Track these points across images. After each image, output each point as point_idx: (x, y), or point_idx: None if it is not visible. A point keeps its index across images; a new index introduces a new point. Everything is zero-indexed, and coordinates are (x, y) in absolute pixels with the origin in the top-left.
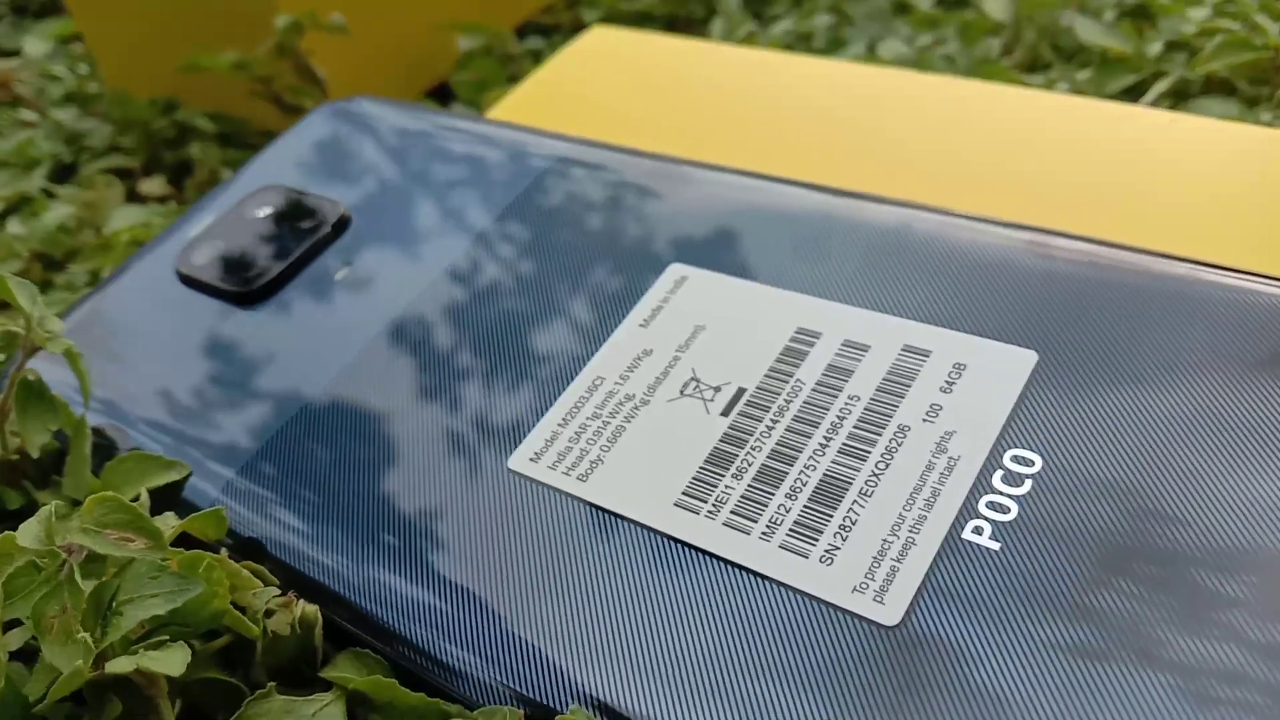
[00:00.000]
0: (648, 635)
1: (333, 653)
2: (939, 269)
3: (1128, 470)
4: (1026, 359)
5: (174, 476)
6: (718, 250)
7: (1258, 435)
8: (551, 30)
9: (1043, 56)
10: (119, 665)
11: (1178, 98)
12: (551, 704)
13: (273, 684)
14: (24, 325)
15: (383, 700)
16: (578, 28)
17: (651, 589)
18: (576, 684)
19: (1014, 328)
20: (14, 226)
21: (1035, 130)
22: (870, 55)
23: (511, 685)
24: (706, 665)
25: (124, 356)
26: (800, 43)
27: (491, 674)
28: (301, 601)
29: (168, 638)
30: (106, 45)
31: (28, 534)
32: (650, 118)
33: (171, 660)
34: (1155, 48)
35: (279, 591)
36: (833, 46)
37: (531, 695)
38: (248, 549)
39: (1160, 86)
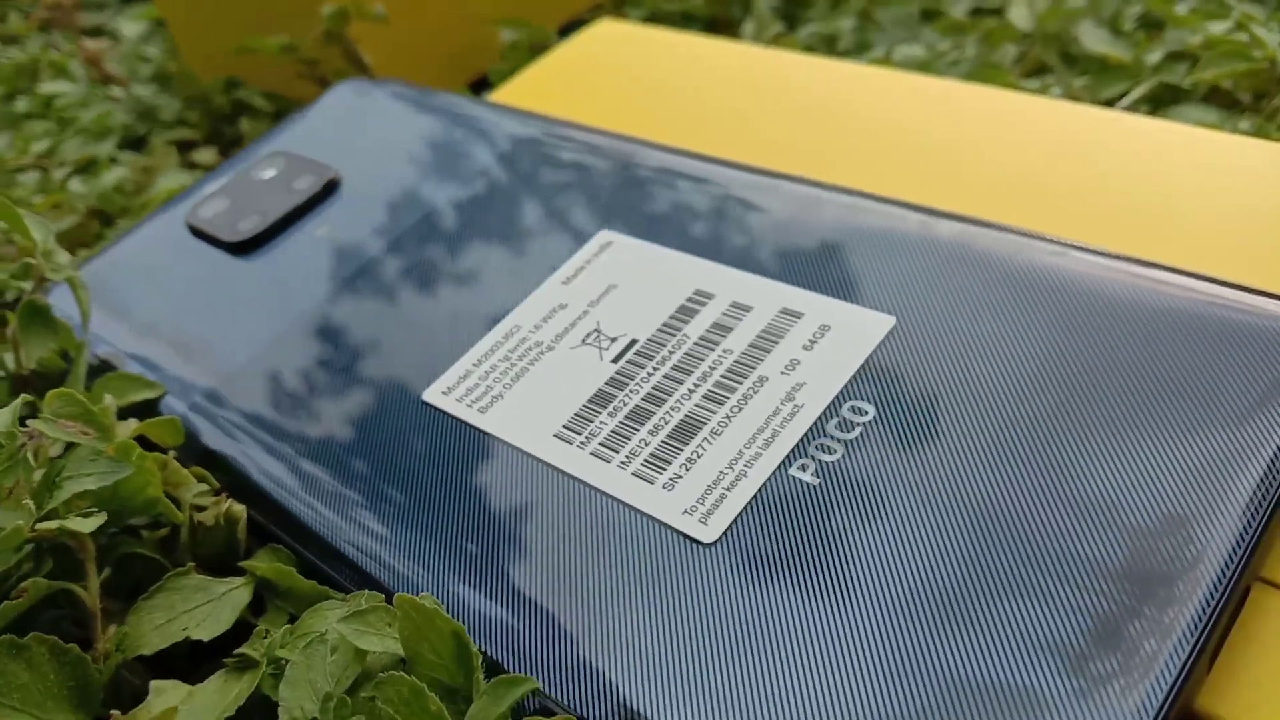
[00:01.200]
0: (513, 542)
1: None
2: (830, 242)
3: (948, 425)
4: (885, 322)
5: (150, 394)
6: (643, 220)
7: (1068, 401)
8: None
9: (1047, 63)
10: (46, 526)
11: (1157, 103)
12: (421, 588)
13: (192, 564)
14: (36, 257)
15: (284, 586)
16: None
17: (523, 505)
18: (441, 573)
19: (882, 295)
20: (77, 185)
21: (992, 125)
22: (886, 58)
23: (390, 578)
24: (555, 568)
25: (132, 293)
26: (824, 45)
27: (376, 568)
28: (230, 500)
29: (98, 510)
30: (183, 28)
31: None
32: (638, 105)
33: (88, 524)
34: (1155, 56)
35: (211, 491)
36: (858, 49)
37: (404, 581)
38: (204, 458)
39: (1138, 91)
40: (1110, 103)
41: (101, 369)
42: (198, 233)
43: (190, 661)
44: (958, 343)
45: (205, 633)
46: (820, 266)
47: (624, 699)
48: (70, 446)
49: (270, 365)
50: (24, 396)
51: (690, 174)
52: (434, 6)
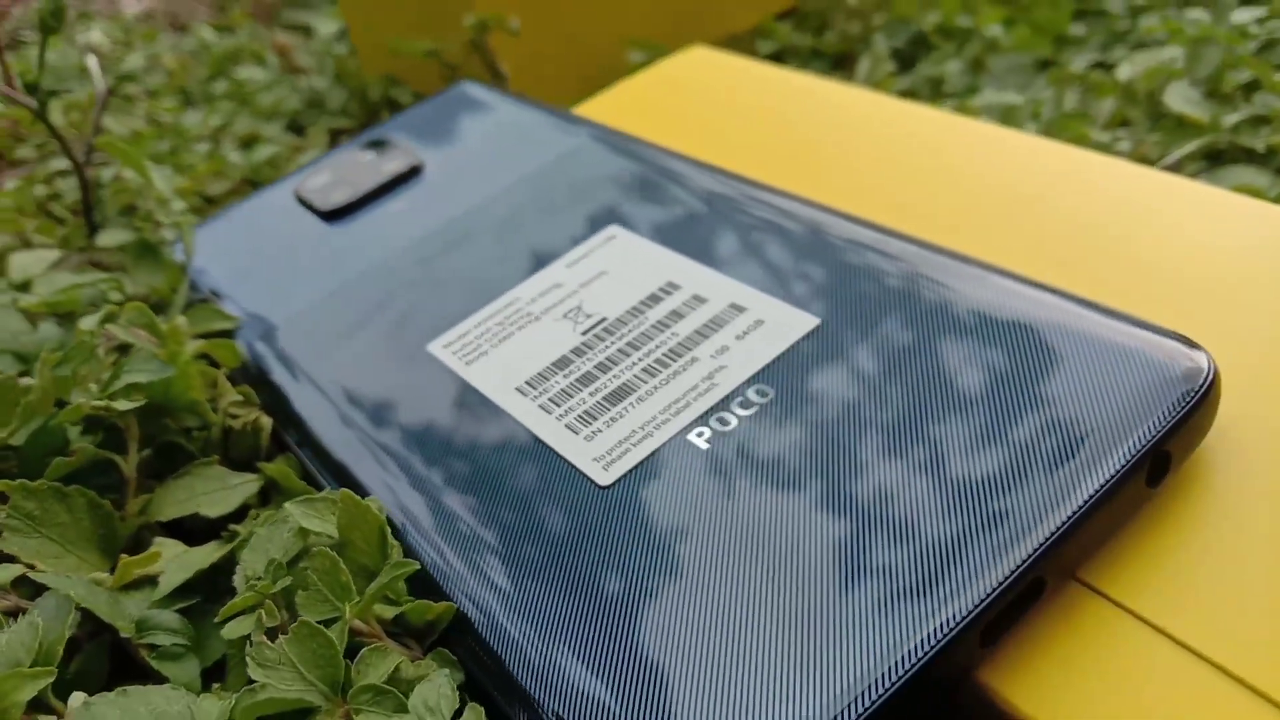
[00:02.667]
0: (457, 465)
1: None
2: (795, 252)
3: (829, 410)
4: (810, 322)
5: (226, 325)
6: (650, 221)
7: (937, 401)
8: None
9: (1130, 118)
10: (97, 403)
11: (1214, 161)
12: (377, 491)
13: (216, 458)
14: (155, 202)
15: (284, 484)
16: (752, 57)
17: (474, 439)
18: (395, 480)
19: (820, 300)
20: (236, 157)
21: (1020, 171)
22: (967, 103)
23: (354, 483)
24: (485, 488)
25: (240, 246)
26: (931, 87)
27: (347, 474)
28: (260, 414)
29: (146, 400)
30: (360, 29)
31: (87, 322)
32: (705, 126)
33: (127, 404)
34: (1233, 118)
35: (250, 405)
36: (964, 93)
37: (361, 487)
38: (253, 380)
39: (1189, 146)
40: (1178, 160)
41: (204, 303)
42: (301, 201)
43: (203, 536)
44: (866, 344)
45: (212, 511)
46: (780, 272)
47: (508, 597)
48: (131, 348)
49: (320, 312)
50: (110, 307)
51: (702, 185)
52: (573, 27)
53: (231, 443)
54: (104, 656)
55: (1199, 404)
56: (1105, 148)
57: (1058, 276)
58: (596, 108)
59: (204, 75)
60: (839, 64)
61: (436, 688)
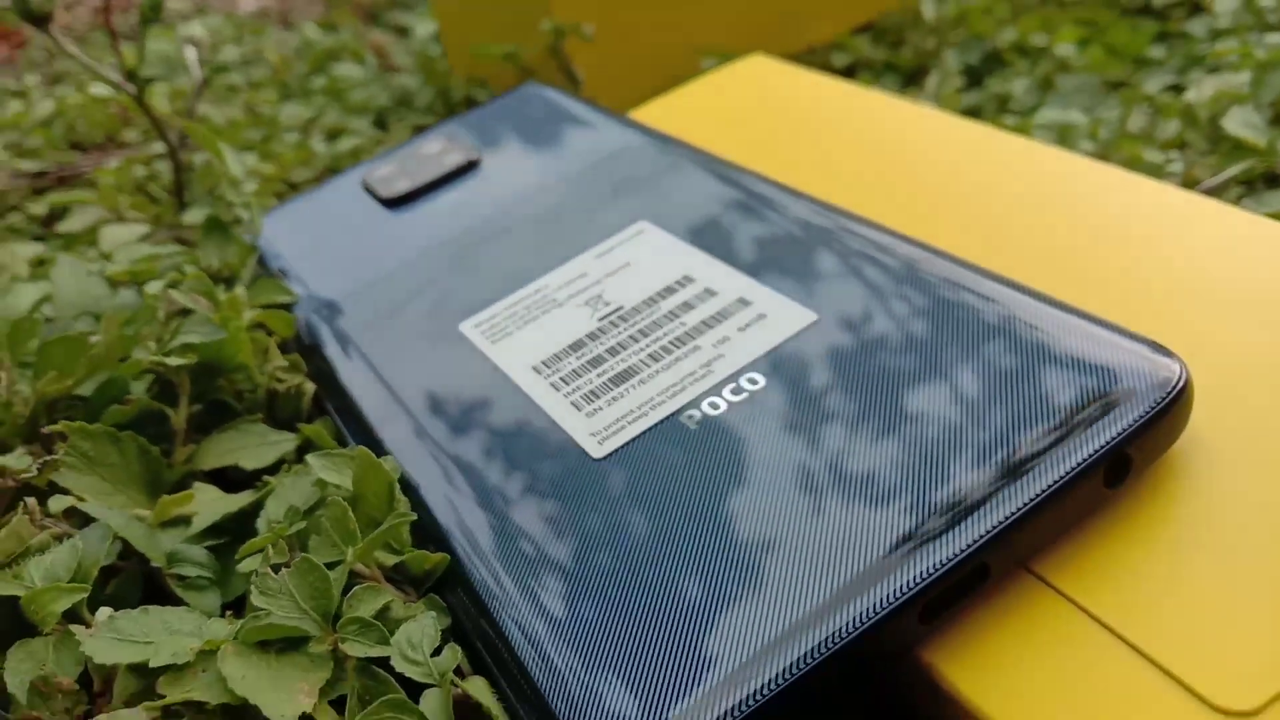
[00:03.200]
0: (469, 432)
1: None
2: (802, 250)
3: (812, 400)
4: (808, 317)
5: (286, 298)
6: (677, 218)
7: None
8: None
9: (1189, 141)
10: (154, 359)
11: (1267, 183)
12: (394, 450)
13: (260, 416)
14: (227, 183)
15: (319, 444)
16: (829, 71)
17: (488, 410)
18: (411, 443)
19: (817, 296)
20: (321, 147)
21: (1057, 187)
22: (1025, 121)
23: (375, 442)
24: (492, 454)
25: (309, 228)
26: (995, 104)
27: (372, 435)
28: (304, 379)
29: (199, 360)
30: (452, 31)
31: (153, 288)
32: (756, 133)
33: (178, 360)
34: None
35: (297, 371)
36: (1029, 111)
37: (381, 445)
38: (303, 349)
39: (1232, 170)
40: (1228, 182)
41: (268, 278)
42: (367, 189)
43: (242, 486)
44: (853, 339)
45: (250, 463)
46: (789, 271)
47: (496, 553)
48: (189, 312)
49: (370, 290)
50: (175, 275)
51: (732, 188)
52: (650, 35)
53: (276, 404)
54: (137, 584)
55: (1164, 411)
56: (1157, 169)
57: (1058, 281)
58: (654, 110)
59: (305, 71)
60: (912, 79)
61: (420, 627)
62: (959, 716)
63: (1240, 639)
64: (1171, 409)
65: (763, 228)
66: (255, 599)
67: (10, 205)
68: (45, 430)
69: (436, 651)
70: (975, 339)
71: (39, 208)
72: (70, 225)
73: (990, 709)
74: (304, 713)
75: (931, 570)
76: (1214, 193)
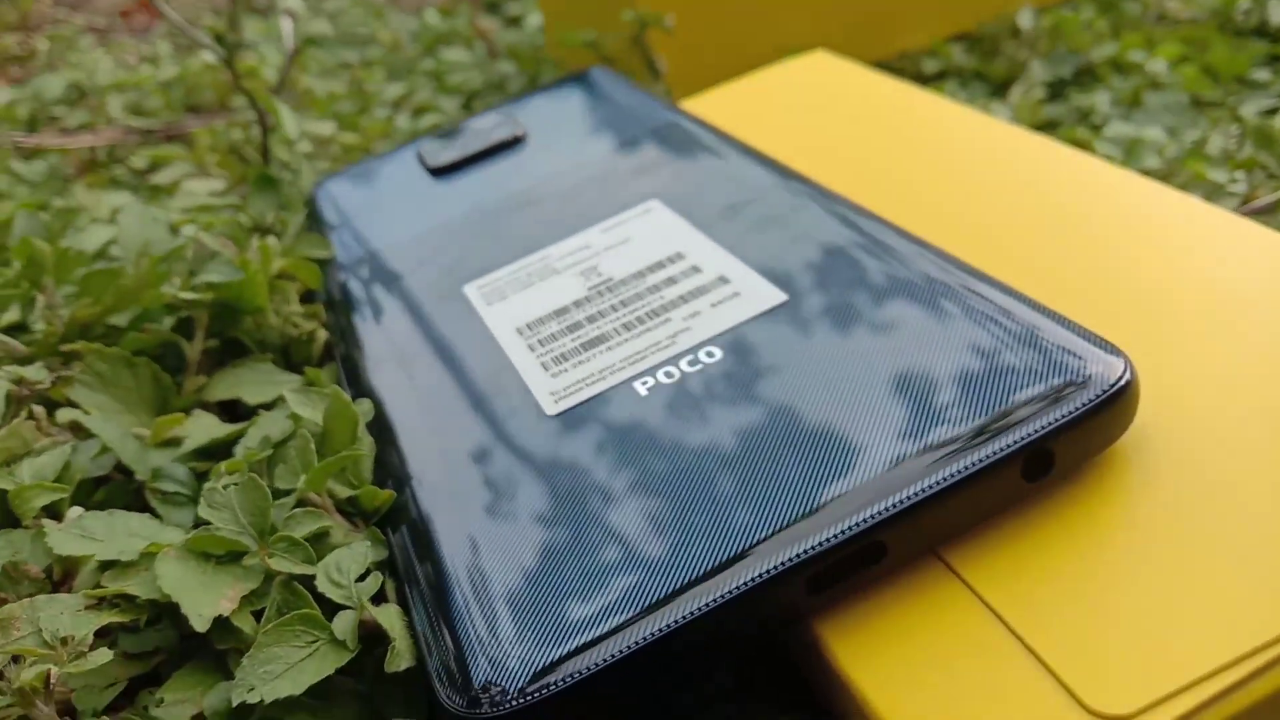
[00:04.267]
0: (449, 390)
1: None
2: (794, 237)
3: (758, 374)
4: (778, 297)
5: (324, 253)
6: (687, 200)
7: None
8: (898, 74)
9: (1261, 163)
10: (174, 293)
11: None
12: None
13: (270, 356)
14: (281, 142)
15: (318, 384)
16: (918, 77)
17: (468, 364)
18: (395, 386)
19: (794, 278)
20: (404, 122)
21: (1087, 198)
22: (1093, 134)
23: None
24: (463, 403)
25: (363, 191)
26: (1075, 116)
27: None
28: (318, 326)
29: (215, 296)
30: (553, 18)
31: (188, 230)
32: (804, 128)
33: (195, 295)
34: None
35: (314, 320)
36: (1106, 125)
37: (367, 389)
38: (325, 298)
39: None
40: None
41: (311, 232)
42: (420, 159)
43: (246, 420)
44: (813, 318)
45: (253, 398)
46: (776, 254)
47: (438, 495)
48: (215, 254)
49: (396, 250)
50: (209, 220)
51: (749, 175)
52: (739, 32)
53: (289, 348)
54: (124, 495)
55: (1095, 410)
56: (1218, 188)
57: (1040, 276)
58: (711, 99)
59: (417, 52)
60: (1000, 89)
61: (351, 553)
62: (838, 689)
63: (1127, 646)
64: (1104, 409)
65: (764, 213)
66: (201, 510)
67: (117, 158)
68: (64, 349)
69: (363, 579)
70: (924, 325)
71: (140, 162)
72: (160, 178)
73: (865, 685)
74: (224, 616)
75: (820, 543)
76: (1260, 213)
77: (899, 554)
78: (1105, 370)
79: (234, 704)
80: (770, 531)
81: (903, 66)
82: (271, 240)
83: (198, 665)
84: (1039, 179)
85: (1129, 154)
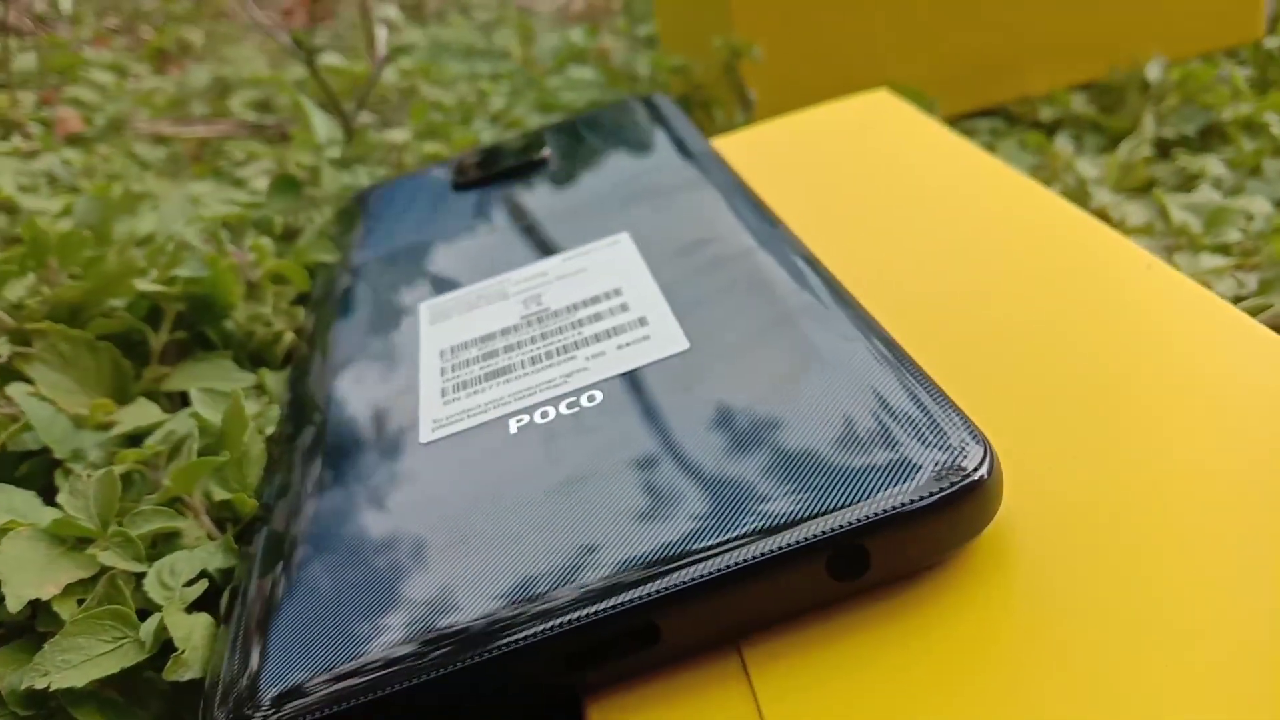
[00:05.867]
0: (357, 405)
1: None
2: (734, 287)
3: (615, 430)
4: (680, 345)
5: (328, 257)
6: (655, 236)
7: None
8: (1012, 119)
9: None
10: (142, 284)
11: None
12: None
13: (230, 353)
14: (304, 146)
15: (269, 389)
16: (1034, 124)
17: (384, 386)
18: (316, 400)
19: (707, 328)
20: (488, 136)
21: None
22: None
23: (296, 390)
24: (356, 429)
25: (392, 199)
26: (1179, 179)
27: (297, 385)
28: (285, 328)
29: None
30: (668, 40)
31: (179, 229)
32: (842, 168)
33: (153, 286)
34: None
35: (291, 324)
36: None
37: (296, 399)
38: (309, 301)
39: None
40: None
41: (323, 235)
42: (452, 173)
43: None
44: (697, 370)
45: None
46: (707, 301)
47: (294, 511)
48: (190, 250)
49: (386, 261)
50: (198, 216)
51: (730, 216)
52: (844, 66)
53: (254, 346)
54: (45, 474)
55: (923, 512)
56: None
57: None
58: (757, 133)
59: (548, 68)
60: (1115, 143)
61: (187, 557)
62: None
63: None
64: (937, 511)
65: (714, 257)
66: (61, 496)
67: (224, 151)
68: (29, 327)
69: (192, 584)
70: (786, 396)
71: (241, 155)
72: (245, 172)
73: None
74: (45, 600)
75: (574, 620)
76: None
77: (677, 640)
78: (951, 463)
79: (22, 686)
80: (530, 599)
81: (1021, 112)
82: (266, 241)
83: (23, 645)
84: (1043, 250)
85: (1209, 225)
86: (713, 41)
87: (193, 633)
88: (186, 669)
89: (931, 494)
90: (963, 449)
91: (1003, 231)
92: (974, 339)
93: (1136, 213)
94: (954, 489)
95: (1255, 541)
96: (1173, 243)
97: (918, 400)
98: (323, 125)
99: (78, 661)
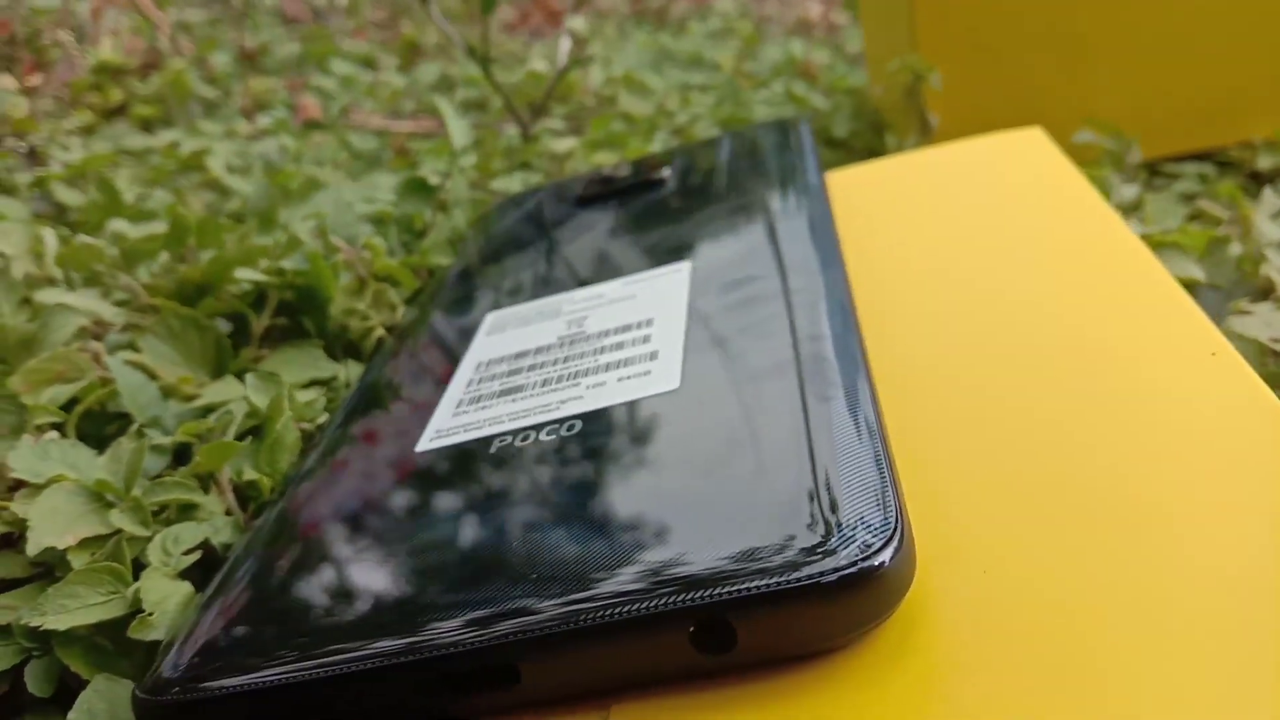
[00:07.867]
0: (396, 407)
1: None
2: (755, 330)
3: (566, 469)
4: (672, 384)
5: (443, 260)
6: (711, 268)
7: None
8: (1225, 166)
9: None
10: (244, 274)
11: None
12: (349, 399)
13: (321, 343)
14: (436, 152)
15: (349, 382)
16: (1251, 175)
17: (421, 391)
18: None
19: (703, 370)
20: (609, 158)
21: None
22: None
23: (359, 385)
24: (381, 429)
25: (521, 207)
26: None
27: (363, 378)
28: (378, 325)
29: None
30: (873, 62)
31: (294, 223)
32: (961, 208)
33: (254, 275)
34: None
35: (384, 321)
36: None
37: (354, 391)
38: (411, 300)
39: None
40: None
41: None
42: (579, 188)
43: None
44: (670, 415)
45: (289, 377)
46: (723, 340)
47: (302, 497)
48: (301, 245)
49: (488, 269)
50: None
51: (791, 256)
52: (1034, 93)
53: (349, 339)
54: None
55: (797, 592)
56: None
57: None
58: (882, 167)
59: (762, 81)
60: (1255, 178)
61: (189, 529)
62: None
63: None
64: (815, 595)
65: (749, 297)
66: (105, 457)
67: (417, 147)
68: (147, 303)
69: (190, 552)
70: (732, 448)
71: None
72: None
73: None
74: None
75: (439, 646)
76: None
77: (537, 685)
78: (838, 548)
79: (21, 621)
80: (406, 619)
81: (1240, 158)
82: (379, 240)
83: (40, 587)
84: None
85: None
86: (890, 64)
87: (167, 598)
88: (151, 630)
89: (803, 578)
90: (861, 533)
91: (1075, 296)
92: (981, 404)
93: None
94: (837, 575)
95: None
96: None
97: (842, 476)
98: (460, 131)
99: (73, 608)
